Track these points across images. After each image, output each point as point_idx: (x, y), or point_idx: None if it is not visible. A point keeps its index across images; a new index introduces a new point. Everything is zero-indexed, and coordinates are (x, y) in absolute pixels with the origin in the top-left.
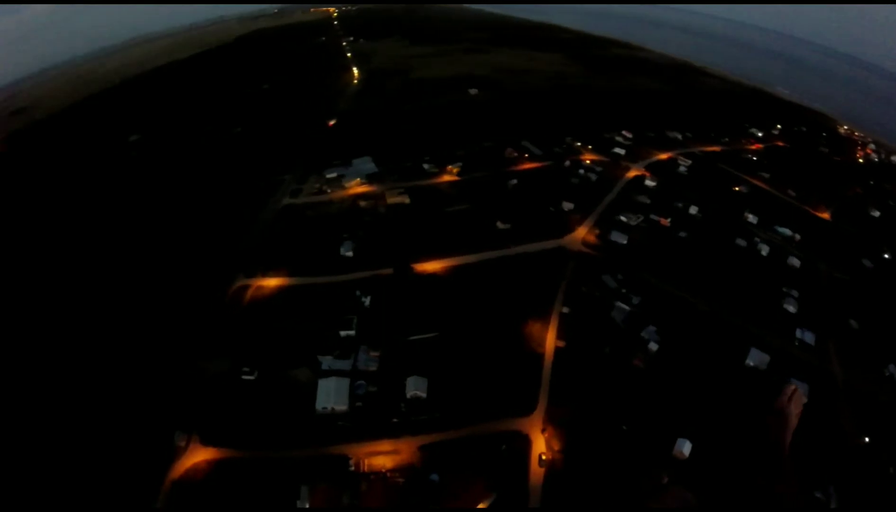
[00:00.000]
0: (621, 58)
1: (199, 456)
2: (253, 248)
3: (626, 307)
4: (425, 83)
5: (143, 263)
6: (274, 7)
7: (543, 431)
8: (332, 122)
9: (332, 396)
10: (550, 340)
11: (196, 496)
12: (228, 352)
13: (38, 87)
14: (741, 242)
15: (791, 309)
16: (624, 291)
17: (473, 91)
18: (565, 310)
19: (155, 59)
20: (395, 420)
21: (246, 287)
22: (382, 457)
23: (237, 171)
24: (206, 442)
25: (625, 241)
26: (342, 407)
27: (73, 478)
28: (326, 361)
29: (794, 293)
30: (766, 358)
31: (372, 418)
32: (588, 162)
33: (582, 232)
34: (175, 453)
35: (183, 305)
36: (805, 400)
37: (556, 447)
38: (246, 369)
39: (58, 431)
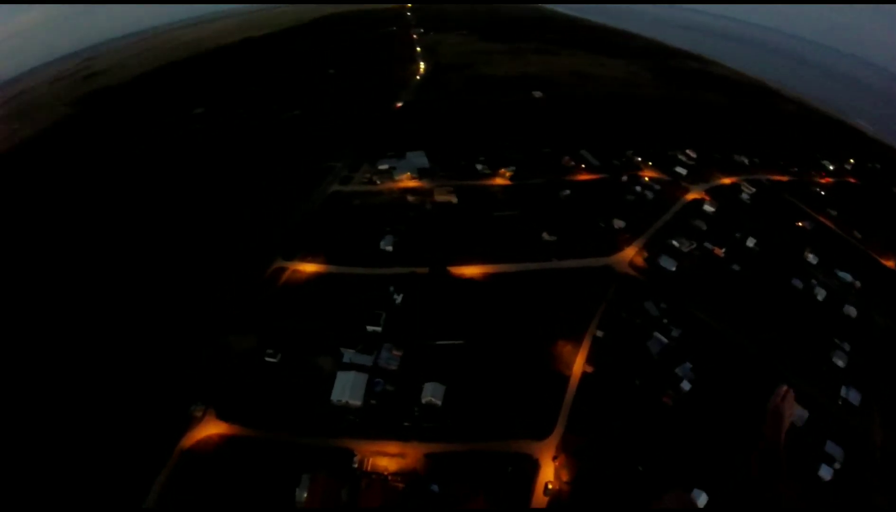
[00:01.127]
0: (693, 71)
1: (212, 429)
2: (295, 231)
3: (665, 339)
4: (490, 81)
5: (190, 234)
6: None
7: (555, 458)
8: (399, 104)
9: (348, 389)
10: (579, 364)
11: (201, 469)
12: (256, 331)
13: (113, 54)
14: (797, 284)
15: (840, 363)
16: (665, 321)
17: (537, 93)
18: (600, 334)
19: (229, 36)
20: (406, 424)
21: (283, 269)
22: (387, 458)
23: (291, 153)
24: (221, 416)
25: (674, 268)
26: (356, 402)
27: (89, 439)
28: (349, 354)
29: (846, 346)
30: (804, 414)
31: (383, 418)
32: (647, 179)
33: (630, 253)
34: (190, 423)
35: (221, 280)
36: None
37: (565, 478)
38: (270, 351)
39: (83, 391)
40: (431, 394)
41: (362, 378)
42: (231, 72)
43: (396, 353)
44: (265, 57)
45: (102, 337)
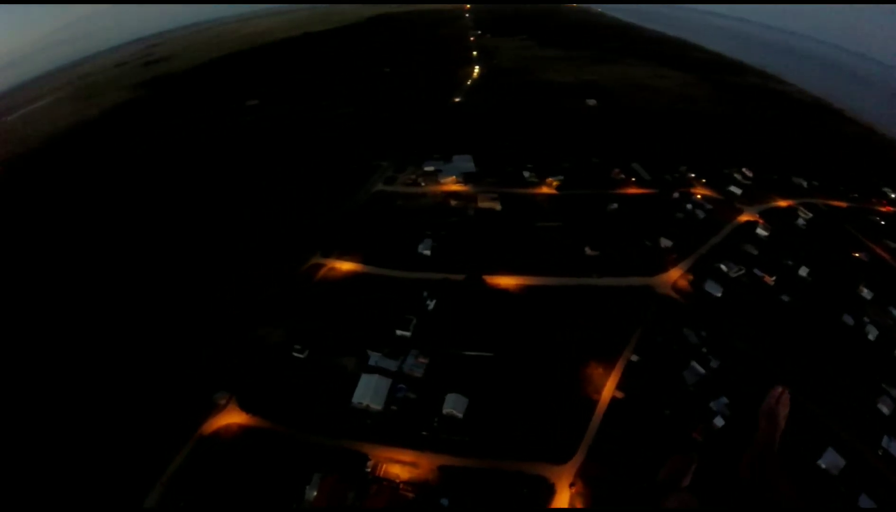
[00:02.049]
0: (753, 86)
1: (232, 418)
2: (335, 228)
3: (702, 370)
4: (544, 87)
5: (232, 224)
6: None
7: (572, 485)
8: (450, 106)
9: (370, 393)
10: (609, 388)
11: (216, 456)
12: (287, 325)
13: (177, 42)
14: (848, 320)
15: (885, 410)
16: (704, 350)
17: (591, 102)
18: (634, 358)
19: (290, 29)
20: (423, 433)
21: (320, 266)
22: (400, 466)
23: (339, 150)
24: (244, 407)
25: (719, 294)
26: (377, 406)
27: (113, 418)
28: (375, 357)
29: (894, 393)
30: (840, 462)
31: (402, 425)
32: (699, 197)
33: (675, 274)
34: (212, 410)
35: (257, 272)
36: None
37: (579, 506)
38: (298, 347)
39: (115, 371)
40: (453, 406)
41: (385, 383)
42: (287, 65)
43: (422, 360)
44: (322, 52)
45: (140, 319)
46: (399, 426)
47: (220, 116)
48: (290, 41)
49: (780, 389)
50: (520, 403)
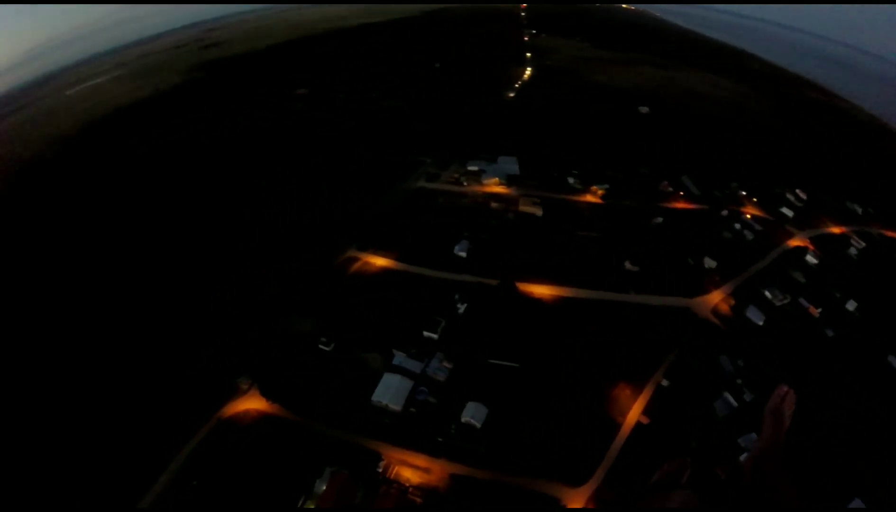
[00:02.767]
0: (813, 103)
1: (253, 404)
2: (374, 223)
3: (734, 402)
4: (596, 91)
5: (273, 211)
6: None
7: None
8: (499, 106)
9: (390, 393)
10: (635, 412)
11: (232, 439)
12: (316, 316)
13: (233, 27)
14: (893, 362)
15: None
16: (739, 381)
17: (644, 109)
18: (665, 383)
19: (346, 20)
20: (439, 439)
21: (354, 259)
22: (412, 470)
23: (384, 144)
24: (265, 393)
25: (760, 322)
26: (396, 407)
27: (140, 391)
28: (399, 357)
29: None
30: None
31: (418, 429)
32: (748, 216)
33: (716, 297)
34: (234, 394)
35: (293, 260)
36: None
37: None
38: (324, 339)
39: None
40: (472, 415)
41: (407, 384)
42: (339, 56)
43: (447, 364)
44: (375, 44)
45: (173, 299)
46: (416, 430)
47: (269, 103)
48: (344, 31)
49: (784, 388)
50: (540, 419)
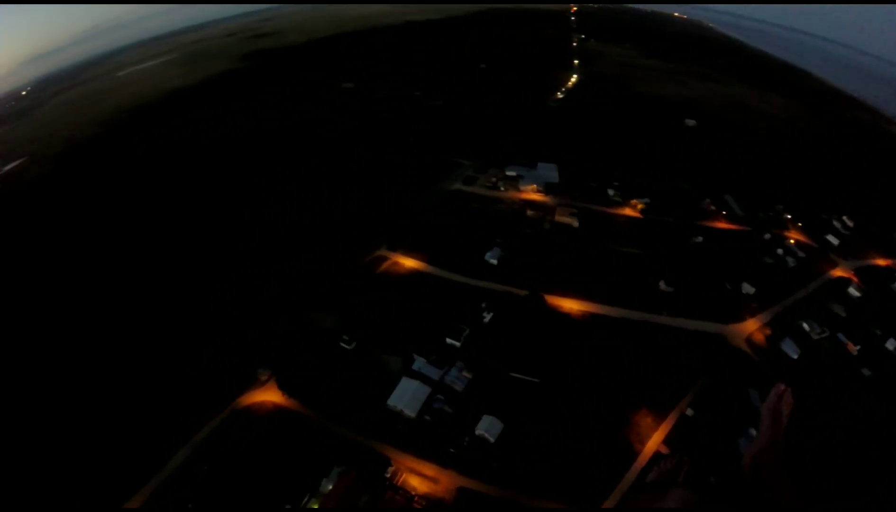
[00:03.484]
0: (867, 127)
1: (269, 396)
2: (407, 222)
3: None
4: (643, 100)
5: (307, 203)
6: None
7: None
8: (542, 111)
9: (406, 398)
10: (654, 441)
11: (245, 430)
12: (340, 312)
13: (285, 18)
14: None
15: None
16: None
17: (690, 122)
18: (689, 412)
19: (396, 16)
20: (451, 450)
21: (384, 258)
22: (420, 479)
23: (424, 142)
24: (282, 387)
25: (795, 356)
26: (410, 413)
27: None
28: (419, 362)
29: None
30: None
31: (431, 438)
32: (792, 241)
33: (752, 326)
34: (252, 384)
35: (322, 254)
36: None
37: None
38: (346, 337)
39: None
40: (486, 428)
41: (424, 391)
42: (386, 52)
43: (466, 374)
44: (421, 42)
45: (203, 284)
46: (428, 438)
47: (315, 95)
48: (392, 28)
49: (782, 387)
50: (556, 438)
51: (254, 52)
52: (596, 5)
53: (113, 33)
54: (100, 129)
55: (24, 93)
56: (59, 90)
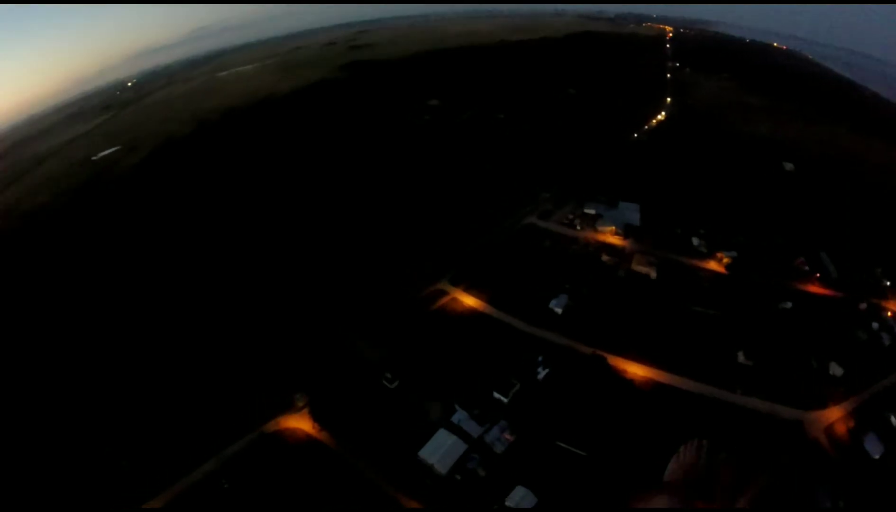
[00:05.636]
0: None
1: (301, 423)
2: (473, 255)
3: None
4: (738, 138)
5: (376, 223)
6: None
7: None
8: (643, 134)
9: (439, 453)
10: None
11: (271, 455)
12: (387, 346)
13: (384, 31)
14: None
15: None
16: None
17: (789, 166)
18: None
19: (491, 35)
20: None
21: (443, 293)
22: None
23: (503, 170)
24: (315, 417)
25: (877, 455)
26: (441, 469)
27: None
28: (461, 415)
29: None
30: None
31: (458, 499)
32: (890, 315)
33: (835, 414)
34: (287, 408)
35: (379, 282)
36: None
37: None
38: (388, 375)
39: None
40: (518, 501)
41: (460, 447)
42: (475, 71)
43: (508, 436)
44: (511, 65)
45: (261, 298)
46: (455, 500)
47: (401, 109)
48: (485, 48)
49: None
50: None
51: (349, 64)
52: (692, 32)
53: (219, 36)
54: (193, 127)
55: (129, 84)
56: (163, 85)
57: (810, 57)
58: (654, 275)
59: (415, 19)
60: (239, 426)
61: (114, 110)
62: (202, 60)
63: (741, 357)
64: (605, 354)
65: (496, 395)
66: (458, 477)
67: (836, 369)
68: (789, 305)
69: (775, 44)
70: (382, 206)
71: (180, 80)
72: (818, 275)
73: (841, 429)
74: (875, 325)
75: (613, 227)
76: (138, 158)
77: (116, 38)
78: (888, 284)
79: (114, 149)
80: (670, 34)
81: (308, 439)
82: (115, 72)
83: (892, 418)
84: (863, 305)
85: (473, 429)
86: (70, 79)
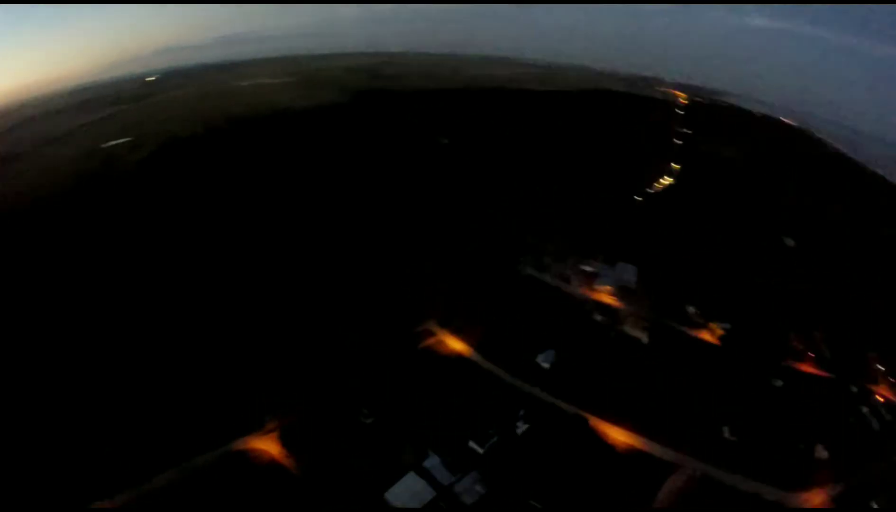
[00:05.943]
0: None
1: (268, 446)
2: (466, 300)
3: None
4: (741, 209)
5: (370, 259)
6: None
7: None
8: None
9: (405, 496)
10: None
11: (233, 473)
12: (369, 380)
13: (406, 65)
14: None
15: None
16: None
17: (789, 241)
18: None
19: (512, 82)
20: None
21: (430, 333)
22: None
23: (505, 219)
24: (283, 440)
25: None
26: None
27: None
28: (432, 461)
29: None
30: None
31: None
32: (881, 400)
33: (818, 498)
34: (257, 430)
35: (372, 316)
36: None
37: None
38: (365, 411)
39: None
40: None
41: (427, 494)
42: (490, 114)
43: (479, 488)
44: (525, 112)
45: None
46: None
47: (410, 143)
48: (501, 91)
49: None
50: None
51: (367, 91)
52: (705, 101)
53: (246, 45)
54: (201, 129)
55: (148, 80)
56: (181, 84)
57: (817, 134)
58: (645, 340)
59: (444, 54)
60: (207, 440)
61: (129, 103)
62: (227, 67)
63: (726, 432)
64: (588, 415)
65: (472, 444)
66: None
67: (821, 452)
68: (780, 383)
69: (782, 118)
70: (381, 240)
71: (201, 83)
72: (812, 355)
73: None
74: (865, 409)
75: (608, 288)
76: (143, 153)
77: (145, 32)
78: (881, 368)
79: (121, 140)
80: (684, 99)
81: (272, 463)
82: (136, 65)
83: (874, 505)
84: (853, 389)
85: (444, 476)
86: (94, 64)
